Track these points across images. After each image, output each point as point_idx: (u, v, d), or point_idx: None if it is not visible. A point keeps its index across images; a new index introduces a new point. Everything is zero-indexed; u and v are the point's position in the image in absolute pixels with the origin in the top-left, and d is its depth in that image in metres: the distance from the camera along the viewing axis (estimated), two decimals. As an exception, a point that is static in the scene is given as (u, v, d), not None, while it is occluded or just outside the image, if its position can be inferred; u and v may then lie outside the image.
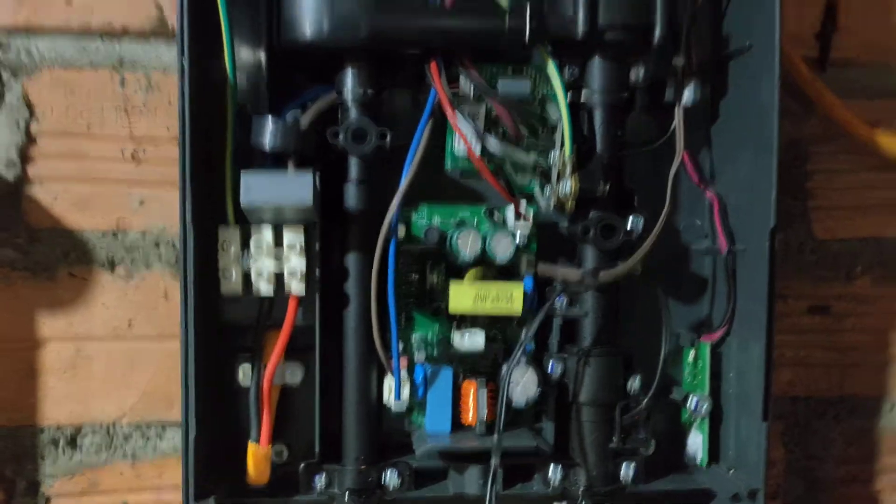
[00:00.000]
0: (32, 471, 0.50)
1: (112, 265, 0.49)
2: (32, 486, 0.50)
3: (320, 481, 0.45)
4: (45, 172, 0.48)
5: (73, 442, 0.50)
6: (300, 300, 0.43)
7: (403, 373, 0.45)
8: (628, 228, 0.46)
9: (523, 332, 0.45)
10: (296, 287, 0.42)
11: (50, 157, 0.48)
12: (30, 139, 0.48)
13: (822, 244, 0.55)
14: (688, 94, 0.47)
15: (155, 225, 0.49)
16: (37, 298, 0.49)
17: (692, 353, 0.49)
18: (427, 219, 0.46)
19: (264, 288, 0.42)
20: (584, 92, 0.46)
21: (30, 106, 0.48)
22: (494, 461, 0.43)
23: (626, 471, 0.47)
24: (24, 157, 0.48)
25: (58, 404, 0.49)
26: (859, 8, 0.55)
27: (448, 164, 0.47)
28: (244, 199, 0.40)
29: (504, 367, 0.45)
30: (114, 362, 0.50)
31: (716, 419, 0.49)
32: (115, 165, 0.49)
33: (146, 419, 0.50)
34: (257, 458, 0.43)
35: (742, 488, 0.46)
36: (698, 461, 0.49)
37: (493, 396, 0.46)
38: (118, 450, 0.50)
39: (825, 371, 0.56)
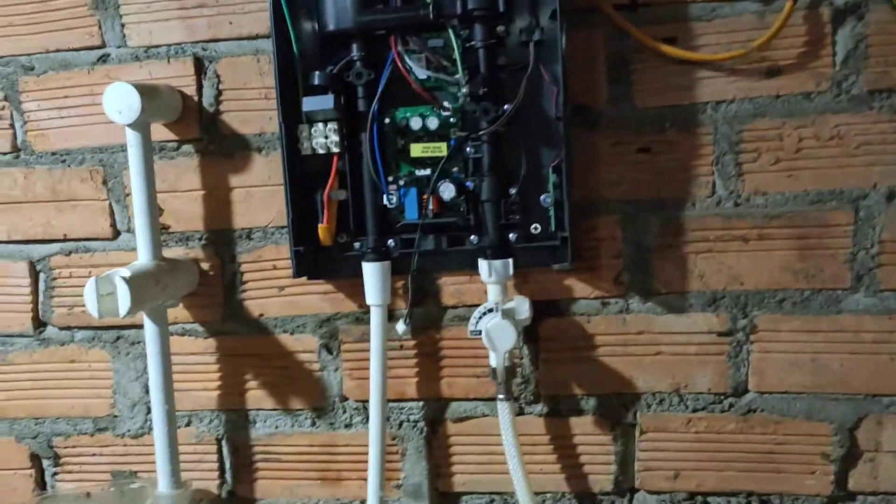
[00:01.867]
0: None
1: (260, 150, 1.00)
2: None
3: (357, 244, 0.95)
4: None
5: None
6: (339, 155, 0.92)
7: (394, 192, 0.93)
8: (502, 110, 0.90)
9: (441, 162, 0.91)
10: (335, 149, 0.91)
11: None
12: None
13: (643, 111, 0.96)
14: (536, 35, 0.90)
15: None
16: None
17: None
18: (403, 113, 0.93)
19: (320, 150, 0.91)
20: (474, 42, 0.90)
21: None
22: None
23: (512, 237, 0.93)
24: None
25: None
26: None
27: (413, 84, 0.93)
28: (305, 108, 0.89)
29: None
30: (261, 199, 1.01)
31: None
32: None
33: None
34: (322, 231, 0.93)
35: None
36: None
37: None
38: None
39: (650, 184, 0.97)
